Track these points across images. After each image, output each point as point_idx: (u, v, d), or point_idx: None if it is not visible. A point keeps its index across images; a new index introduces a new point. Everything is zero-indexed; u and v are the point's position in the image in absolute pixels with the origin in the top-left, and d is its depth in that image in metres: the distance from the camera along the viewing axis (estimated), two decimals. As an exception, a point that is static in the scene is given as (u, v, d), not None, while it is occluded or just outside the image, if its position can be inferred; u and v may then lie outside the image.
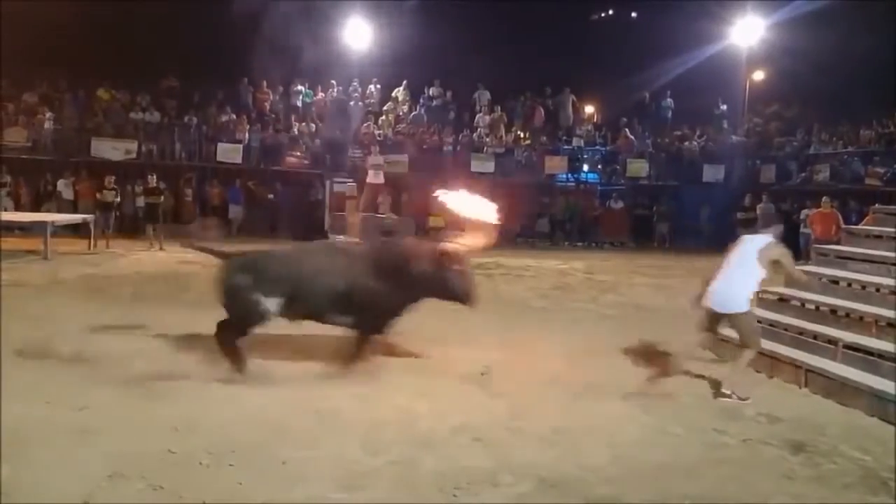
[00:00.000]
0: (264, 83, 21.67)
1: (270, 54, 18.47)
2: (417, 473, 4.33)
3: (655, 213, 21.50)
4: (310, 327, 6.47)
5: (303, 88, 22.19)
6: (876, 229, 8.26)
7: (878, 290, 7.11)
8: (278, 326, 6.37)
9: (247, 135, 20.52)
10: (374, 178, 18.41)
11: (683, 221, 21.19)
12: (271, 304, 6.09)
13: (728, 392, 5.99)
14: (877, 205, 10.48)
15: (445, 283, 6.30)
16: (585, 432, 5.09)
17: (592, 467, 4.48)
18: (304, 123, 21.50)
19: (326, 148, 20.80)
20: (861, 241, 8.15)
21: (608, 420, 5.38)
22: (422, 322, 6.94)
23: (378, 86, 22.72)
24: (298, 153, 20.75)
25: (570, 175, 22.39)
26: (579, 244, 20.43)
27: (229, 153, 20.18)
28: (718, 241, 18.95)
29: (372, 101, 22.56)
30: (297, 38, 18.57)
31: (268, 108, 21.78)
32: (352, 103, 22.23)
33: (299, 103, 22.14)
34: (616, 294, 11.65)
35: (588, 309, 10.24)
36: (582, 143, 22.89)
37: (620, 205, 21.61)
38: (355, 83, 22.55)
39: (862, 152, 19.22)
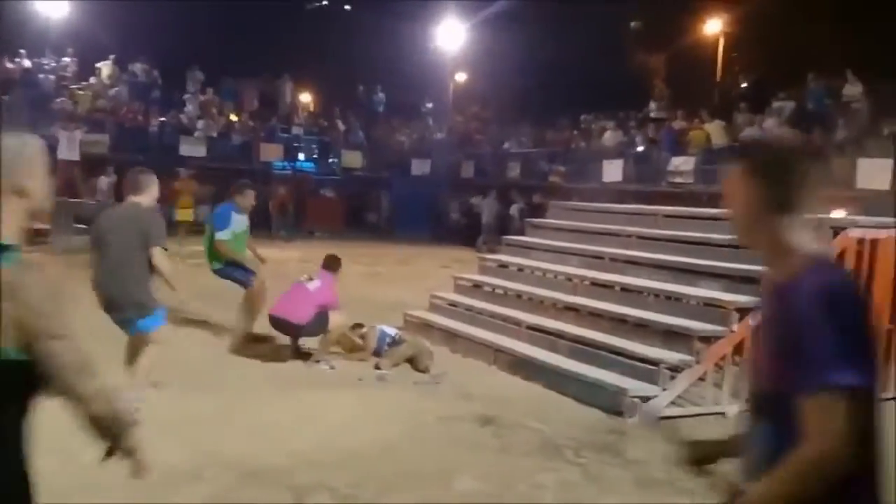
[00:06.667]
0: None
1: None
2: (114, 474, 4.09)
3: (367, 202, 22.22)
4: None
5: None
6: (555, 222, 9.38)
7: (555, 276, 8.07)
8: None
9: None
10: (69, 153, 16.72)
11: (393, 211, 22.11)
12: None
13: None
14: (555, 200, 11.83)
15: None
16: (295, 421, 5.17)
17: (298, 454, 4.56)
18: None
19: (12, 123, 18.42)
20: (543, 233, 9.19)
21: (317, 408, 5.51)
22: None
23: (75, 58, 20.66)
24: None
25: (286, 163, 22.17)
26: (293, 233, 20.24)
27: None
28: (426, 231, 20.31)
29: (67, 73, 20.49)
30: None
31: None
32: (42, 76, 19.98)
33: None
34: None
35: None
36: (301, 131, 22.83)
37: (333, 194, 21.95)
38: (49, 55, 20.34)
39: (546, 152, 21.43)
